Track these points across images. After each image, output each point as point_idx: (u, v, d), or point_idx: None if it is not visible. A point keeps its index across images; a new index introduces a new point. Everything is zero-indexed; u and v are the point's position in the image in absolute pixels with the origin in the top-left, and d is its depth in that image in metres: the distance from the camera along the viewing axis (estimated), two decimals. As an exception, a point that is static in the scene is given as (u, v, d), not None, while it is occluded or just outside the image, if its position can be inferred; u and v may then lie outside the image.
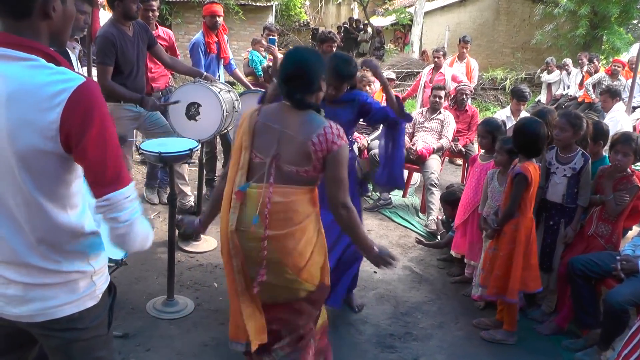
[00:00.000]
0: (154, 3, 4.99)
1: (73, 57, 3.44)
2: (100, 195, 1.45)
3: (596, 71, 10.19)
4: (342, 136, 2.37)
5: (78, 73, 1.44)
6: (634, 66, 9.81)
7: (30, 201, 1.45)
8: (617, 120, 6.62)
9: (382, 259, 2.49)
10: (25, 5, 1.40)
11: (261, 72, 6.16)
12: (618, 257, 3.33)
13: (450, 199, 4.70)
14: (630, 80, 8.96)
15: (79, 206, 1.55)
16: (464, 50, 8.34)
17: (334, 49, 5.46)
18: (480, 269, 3.65)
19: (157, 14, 5.09)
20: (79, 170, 1.50)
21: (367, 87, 6.37)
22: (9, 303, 1.53)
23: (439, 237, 4.99)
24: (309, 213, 2.45)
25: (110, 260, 2.74)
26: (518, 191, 3.39)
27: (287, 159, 2.36)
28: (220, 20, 5.42)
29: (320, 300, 2.63)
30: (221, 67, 5.70)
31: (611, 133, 4.16)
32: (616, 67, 9.72)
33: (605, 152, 4.06)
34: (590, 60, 10.41)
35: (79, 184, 1.53)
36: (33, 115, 1.37)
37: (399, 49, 18.66)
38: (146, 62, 4.56)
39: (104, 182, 1.45)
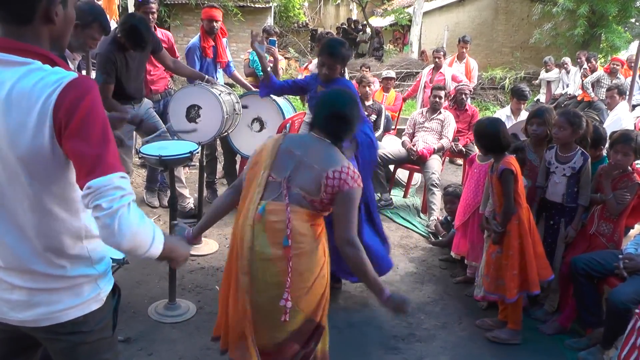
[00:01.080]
0: (153, 6, 4.99)
1: (72, 67, 3.43)
2: (82, 186, 1.38)
3: (593, 70, 10.20)
4: (357, 179, 2.39)
5: (71, 71, 1.43)
6: (632, 64, 9.85)
7: (37, 206, 1.44)
8: (620, 118, 6.63)
9: (394, 305, 2.40)
10: (28, 11, 1.40)
11: (262, 73, 6.14)
12: (620, 256, 3.33)
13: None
14: (629, 79, 8.98)
15: (85, 210, 1.52)
16: (464, 50, 8.35)
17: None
18: (484, 275, 3.59)
19: (156, 16, 5.09)
20: None
21: (367, 88, 6.38)
22: (13, 308, 1.53)
23: (440, 238, 4.98)
24: (313, 239, 2.41)
25: (112, 260, 2.72)
26: (509, 187, 3.40)
27: (298, 183, 2.39)
28: (217, 25, 5.39)
29: (309, 336, 2.48)
30: (220, 70, 5.68)
31: (615, 129, 4.16)
32: (615, 66, 9.74)
33: (604, 151, 4.06)
34: (588, 60, 10.41)
35: None
36: (29, 118, 1.36)
37: (398, 50, 18.66)
38: (145, 65, 4.55)
39: (86, 169, 1.37)
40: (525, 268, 3.41)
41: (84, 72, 4.69)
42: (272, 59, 5.56)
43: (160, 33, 5.40)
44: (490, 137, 3.51)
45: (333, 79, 3.69)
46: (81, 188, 1.39)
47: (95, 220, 1.41)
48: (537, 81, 12.71)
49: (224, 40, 5.68)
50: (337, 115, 2.51)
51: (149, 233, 1.48)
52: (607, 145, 4.07)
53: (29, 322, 1.54)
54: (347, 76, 6.10)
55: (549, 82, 11.77)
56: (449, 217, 4.88)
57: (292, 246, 2.34)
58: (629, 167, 3.62)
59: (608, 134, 4.06)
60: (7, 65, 1.38)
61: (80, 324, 1.58)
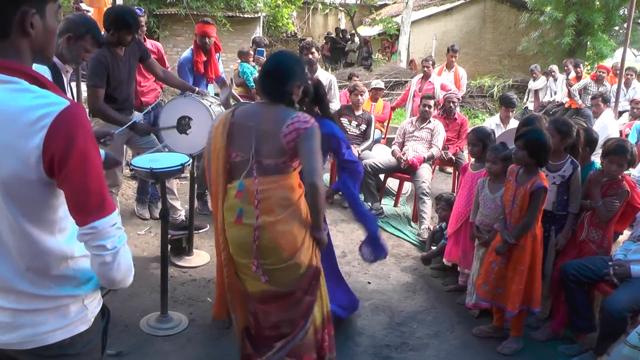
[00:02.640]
0: (142, 19, 4.99)
1: (65, 80, 3.43)
2: (85, 224, 1.40)
3: (580, 78, 10.30)
4: (308, 120, 2.55)
5: (62, 96, 1.37)
6: (618, 72, 9.98)
7: (16, 228, 1.40)
8: (606, 126, 6.72)
9: (322, 240, 2.77)
10: (2, 24, 1.34)
11: (253, 84, 6.18)
12: (610, 263, 3.36)
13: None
14: (615, 86, 9.09)
15: (68, 230, 1.49)
16: (453, 59, 8.39)
17: (315, 56, 5.52)
18: (481, 284, 3.58)
19: (145, 28, 5.09)
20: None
21: (359, 97, 6.41)
22: None
23: (433, 246, 4.97)
24: (297, 197, 2.65)
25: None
26: (538, 204, 3.36)
27: (265, 154, 2.59)
28: (211, 41, 5.39)
29: (314, 283, 2.75)
30: (211, 86, 5.67)
31: (600, 138, 4.20)
32: (601, 73, 9.86)
33: (593, 157, 4.10)
34: (577, 66, 10.52)
35: (66, 208, 1.46)
36: (15, 141, 1.31)
37: (387, 59, 18.74)
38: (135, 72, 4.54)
39: (88, 209, 1.39)
40: (532, 285, 3.41)
41: (74, 84, 4.69)
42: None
43: (150, 44, 5.40)
44: (543, 149, 3.35)
45: None
46: (80, 224, 1.40)
47: (92, 257, 1.44)
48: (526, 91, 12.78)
49: (217, 55, 5.68)
50: (268, 73, 2.67)
51: (132, 268, 1.54)
52: (595, 151, 4.12)
53: (14, 344, 1.49)
54: (335, 87, 6.14)
55: (536, 90, 11.88)
56: (442, 225, 4.89)
57: (277, 212, 2.59)
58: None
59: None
60: None
61: (66, 347, 1.53)
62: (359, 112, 6.47)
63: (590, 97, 8.98)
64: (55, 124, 1.31)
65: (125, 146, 4.59)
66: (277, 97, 2.64)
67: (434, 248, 4.85)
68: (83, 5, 5.31)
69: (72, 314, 1.53)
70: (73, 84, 4.74)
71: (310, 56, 5.84)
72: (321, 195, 2.58)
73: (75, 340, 1.54)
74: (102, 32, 3.77)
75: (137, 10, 5.02)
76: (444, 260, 4.48)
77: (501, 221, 3.55)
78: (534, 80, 12.02)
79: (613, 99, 7.70)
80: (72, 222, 1.49)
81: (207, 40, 5.37)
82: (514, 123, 5.98)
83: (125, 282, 1.52)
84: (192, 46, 5.54)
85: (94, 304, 1.60)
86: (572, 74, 10.62)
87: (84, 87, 4.87)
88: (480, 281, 3.60)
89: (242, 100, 5.78)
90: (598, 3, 14.97)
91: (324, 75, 5.99)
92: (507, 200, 3.53)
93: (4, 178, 1.34)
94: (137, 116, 4.59)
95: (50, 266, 1.47)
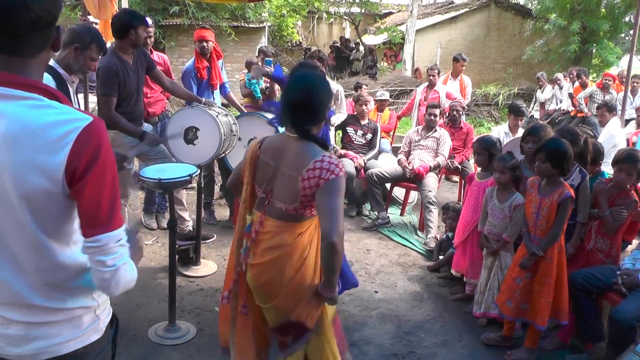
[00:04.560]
0: (151, 30, 5.04)
1: (71, 91, 3.47)
2: (90, 235, 1.40)
3: (584, 86, 10.27)
4: (334, 169, 2.23)
5: (83, 112, 1.41)
6: (624, 80, 9.95)
7: (34, 241, 1.41)
8: (613, 135, 6.70)
9: (333, 299, 2.39)
10: (43, 42, 1.39)
11: (260, 95, 6.22)
12: (618, 272, 3.35)
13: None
14: (621, 94, 9.07)
15: (81, 241, 1.49)
16: (463, 67, 8.31)
17: (320, 63, 5.53)
18: (505, 301, 3.51)
19: (153, 39, 5.14)
20: None
21: (364, 106, 6.43)
22: (9, 343, 1.48)
23: (441, 256, 4.97)
24: (292, 239, 2.37)
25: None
26: (566, 214, 3.35)
27: (277, 196, 2.35)
28: (209, 45, 5.42)
29: (286, 330, 2.49)
30: (216, 92, 5.71)
31: (607, 147, 4.19)
32: (607, 81, 9.84)
33: (603, 167, 4.10)
34: (578, 76, 10.50)
35: None
36: (39, 157, 1.32)
37: (392, 67, 18.79)
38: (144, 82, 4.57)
39: (96, 222, 1.40)
40: (560, 297, 3.39)
41: (81, 95, 4.73)
42: (268, 79, 5.61)
43: (156, 56, 5.44)
44: (565, 158, 3.32)
45: None
46: (86, 236, 1.41)
47: (93, 269, 1.44)
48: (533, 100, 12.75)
49: (219, 62, 5.71)
50: (298, 105, 2.29)
51: (134, 279, 1.52)
52: (604, 160, 4.12)
53: (28, 356, 1.50)
54: (343, 97, 6.17)
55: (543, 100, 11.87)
56: (449, 235, 4.89)
57: (258, 256, 2.38)
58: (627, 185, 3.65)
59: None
60: (8, 99, 1.34)
61: (79, 356, 1.55)
62: (364, 122, 6.49)
63: (596, 105, 8.97)
64: (79, 139, 1.34)
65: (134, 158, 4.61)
66: (307, 134, 2.31)
67: (441, 257, 4.85)
68: (90, 18, 5.35)
69: (85, 324, 1.55)
70: (80, 95, 4.79)
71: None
72: (339, 256, 2.22)
73: (87, 350, 1.56)
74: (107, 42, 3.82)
75: (147, 20, 5.05)
76: (452, 271, 4.47)
77: (525, 234, 3.51)
78: (540, 88, 12.01)
79: (619, 107, 7.68)
80: None
81: (206, 44, 5.39)
82: (522, 132, 5.98)
83: (119, 293, 1.50)
84: (194, 56, 5.58)
85: (105, 313, 1.63)
86: (576, 84, 10.60)
87: (91, 98, 4.93)
88: (504, 298, 3.54)
89: (246, 111, 5.80)
90: (604, 10, 14.98)
91: (332, 86, 6.01)
92: (530, 212, 3.49)
93: (28, 193, 1.35)
94: (147, 127, 4.63)
95: (66, 279, 1.49)
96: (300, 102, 2.28)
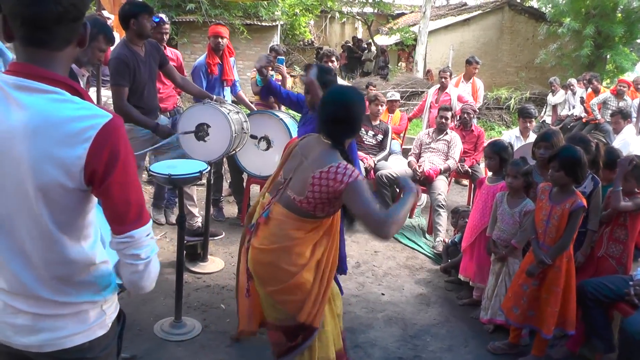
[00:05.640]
0: (167, 26, 5.06)
1: (81, 84, 3.48)
2: (122, 232, 1.44)
3: (596, 91, 10.18)
4: (349, 174, 2.37)
5: (103, 108, 1.42)
6: (639, 86, 9.86)
7: (46, 234, 1.43)
8: (628, 142, 6.65)
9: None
10: (70, 35, 1.41)
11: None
12: (631, 282, 3.31)
13: None
14: (636, 100, 8.98)
15: (92, 237, 1.53)
16: (475, 70, 8.25)
17: (333, 64, 5.53)
18: (511, 307, 3.49)
19: (168, 36, 5.15)
20: (94, 201, 1.49)
21: (380, 107, 6.41)
22: (17, 333, 1.51)
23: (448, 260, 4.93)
24: (297, 241, 2.51)
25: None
26: (577, 223, 3.31)
27: (292, 185, 2.52)
28: (223, 42, 5.44)
29: (293, 332, 2.62)
30: (227, 89, 5.71)
31: (623, 154, 4.15)
32: (622, 87, 9.72)
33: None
34: (590, 82, 10.41)
35: (93, 215, 1.52)
36: (58, 150, 1.34)
37: (409, 69, 18.70)
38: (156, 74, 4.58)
39: (127, 220, 1.44)
40: (567, 306, 3.36)
41: (93, 89, 4.74)
42: (279, 77, 5.60)
43: (169, 52, 5.46)
44: (579, 166, 3.27)
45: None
46: (117, 233, 1.45)
47: (124, 264, 1.49)
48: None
49: (231, 59, 5.72)
50: (334, 119, 2.51)
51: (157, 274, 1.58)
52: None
53: (34, 347, 1.52)
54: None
55: (554, 104, 11.77)
56: (456, 239, 4.86)
57: (260, 240, 2.55)
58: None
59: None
60: (31, 92, 1.36)
61: (85, 350, 1.57)
62: (375, 122, 6.47)
63: (610, 112, 8.89)
64: (99, 136, 1.36)
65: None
66: (338, 144, 2.50)
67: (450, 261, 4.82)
68: (105, 13, 5.38)
69: (91, 319, 1.56)
70: (92, 89, 4.80)
71: (330, 64, 5.87)
72: (400, 223, 2.36)
73: (93, 345, 1.58)
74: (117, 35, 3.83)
75: (162, 17, 5.07)
76: (460, 275, 4.45)
77: (533, 241, 3.47)
78: (552, 93, 11.92)
79: (634, 114, 7.61)
80: (95, 229, 1.55)
81: (220, 40, 5.41)
82: (534, 136, 5.93)
83: (148, 289, 1.57)
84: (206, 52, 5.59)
85: (111, 309, 1.64)
86: (589, 90, 10.51)
87: (104, 92, 4.94)
88: (510, 304, 3.51)
89: (256, 109, 5.80)
90: (620, 15, 14.84)
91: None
92: (539, 220, 3.45)
93: (44, 185, 1.37)
94: (163, 120, 4.63)
95: (74, 274, 1.50)
96: (339, 117, 2.50)
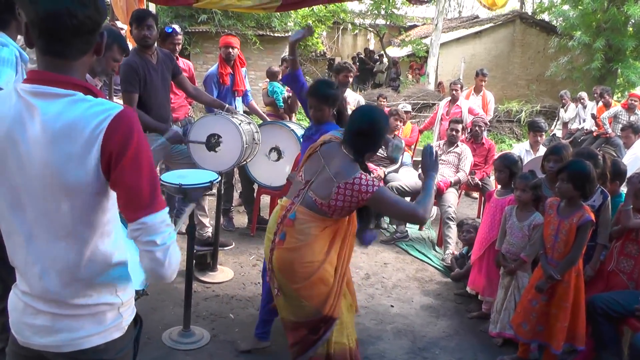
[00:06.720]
0: (179, 37, 5.11)
1: None
2: (135, 219, 1.44)
3: (607, 105, 10.14)
4: (370, 184, 2.65)
5: (116, 103, 1.47)
6: (651, 100, 9.78)
7: (69, 235, 1.47)
8: (639, 157, 6.60)
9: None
10: (86, 47, 1.45)
11: (282, 103, 6.25)
12: (641, 298, 3.29)
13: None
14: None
15: (112, 234, 1.56)
16: (482, 83, 8.32)
17: (350, 79, 5.56)
18: (520, 323, 3.46)
19: (180, 47, 5.20)
20: (114, 197, 1.51)
21: (398, 122, 6.45)
22: (36, 333, 1.54)
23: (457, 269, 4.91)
24: (316, 233, 2.74)
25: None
26: (585, 238, 3.30)
27: (314, 187, 2.75)
28: (234, 52, 5.49)
29: (316, 325, 2.81)
30: (238, 99, 5.75)
31: (632, 169, 4.14)
32: (633, 102, 9.66)
33: (622, 189, 4.04)
34: (601, 95, 10.37)
35: (114, 212, 1.55)
36: (77, 149, 1.39)
37: (416, 80, 18.74)
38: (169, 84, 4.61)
39: (139, 205, 1.44)
40: (576, 322, 3.34)
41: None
42: (290, 89, 5.64)
43: (181, 62, 5.51)
44: (588, 180, 3.26)
45: (324, 122, 3.50)
46: (130, 220, 1.45)
47: (142, 253, 1.48)
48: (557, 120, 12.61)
49: (243, 70, 5.77)
50: (359, 132, 2.74)
51: (179, 264, 1.57)
52: (624, 182, 4.06)
53: (52, 347, 1.55)
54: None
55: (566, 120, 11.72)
56: (464, 252, 4.84)
57: (287, 240, 2.74)
58: None
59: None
60: (52, 98, 1.41)
61: (101, 352, 1.59)
62: (390, 136, 6.49)
63: (620, 126, 8.85)
64: (111, 125, 1.40)
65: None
66: (359, 157, 2.76)
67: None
68: (119, 23, 5.45)
69: (108, 320, 1.59)
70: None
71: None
72: (421, 207, 2.71)
73: (109, 346, 1.60)
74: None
75: (175, 29, 5.13)
76: (467, 288, 4.43)
77: (542, 257, 3.46)
78: (562, 106, 11.87)
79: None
80: (115, 227, 1.57)
81: (231, 50, 5.46)
82: (544, 150, 5.92)
83: (170, 278, 1.54)
84: (217, 62, 5.63)
85: (128, 312, 1.66)
86: (600, 103, 10.47)
87: (115, 101, 4.99)
88: (519, 320, 3.48)
89: (269, 120, 5.83)
90: (631, 29, 14.79)
91: (352, 96, 6.01)
92: (548, 234, 3.44)
93: (70, 184, 1.42)
94: (175, 128, 4.66)
95: (94, 275, 1.53)
96: (364, 131, 2.74)
